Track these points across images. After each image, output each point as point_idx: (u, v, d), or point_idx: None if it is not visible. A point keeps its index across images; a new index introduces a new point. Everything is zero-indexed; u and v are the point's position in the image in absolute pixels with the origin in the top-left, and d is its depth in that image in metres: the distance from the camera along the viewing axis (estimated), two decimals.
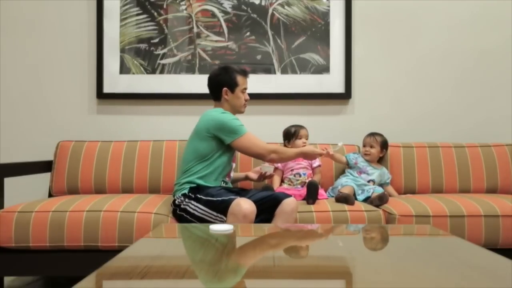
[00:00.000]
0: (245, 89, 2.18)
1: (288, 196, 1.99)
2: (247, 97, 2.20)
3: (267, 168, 2.22)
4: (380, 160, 2.59)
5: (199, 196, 1.99)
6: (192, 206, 1.98)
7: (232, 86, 2.14)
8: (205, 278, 0.99)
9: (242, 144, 2.05)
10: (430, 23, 2.87)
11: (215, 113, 2.08)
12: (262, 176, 2.27)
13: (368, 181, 2.43)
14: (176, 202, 2.03)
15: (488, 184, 2.56)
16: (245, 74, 2.18)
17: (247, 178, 2.36)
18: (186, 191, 2.03)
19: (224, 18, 2.85)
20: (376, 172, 2.47)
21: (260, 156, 2.09)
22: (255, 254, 1.23)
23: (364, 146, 2.56)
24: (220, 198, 1.94)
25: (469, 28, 2.87)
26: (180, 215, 2.00)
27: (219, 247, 1.30)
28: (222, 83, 2.14)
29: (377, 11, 2.86)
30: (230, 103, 2.15)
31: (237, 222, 1.82)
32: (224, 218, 1.91)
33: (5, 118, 2.85)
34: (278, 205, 1.94)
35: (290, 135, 2.49)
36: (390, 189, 2.53)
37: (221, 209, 1.91)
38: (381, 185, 2.48)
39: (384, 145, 2.55)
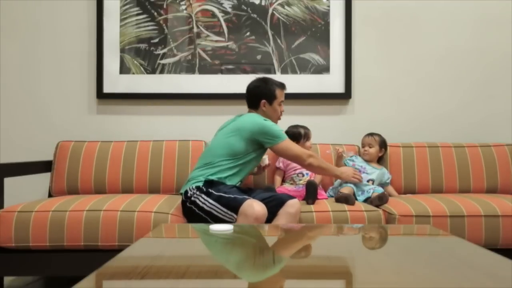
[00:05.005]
0: (282, 101, 2.26)
1: (292, 197, 1.99)
2: (283, 108, 2.28)
3: (264, 159, 2.33)
4: (380, 160, 2.60)
5: (210, 190, 1.99)
6: (202, 200, 1.98)
7: (271, 98, 2.21)
8: (204, 278, 0.99)
9: (283, 147, 2.13)
10: (430, 23, 2.87)
11: (258, 119, 2.13)
12: (262, 168, 2.37)
13: (368, 181, 2.43)
14: (188, 194, 2.03)
15: (488, 184, 2.56)
16: (283, 87, 2.27)
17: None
18: (200, 184, 2.04)
19: (224, 18, 2.85)
20: (375, 172, 2.48)
21: (299, 158, 2.14)
22: (255, 254, 1.23)
23: (363, 146, 2.57)
24: (232, 196, 1.94)
25: (469, 28, 2.87)
26: (189, 208, 2.00)
27: (218, 247, 1.30)
28: (261, 95, 2.21)
29: (377, 11, 2.87)
30: (266, 114, 2.22)
31: (248, 223, 1.82)
32: (235, 216, 1.90)
33: (5, 118, 2.85)
34: (281, 206, 1.94)
35: (300, 136, 2.45)
36: (390, 189, 2.53)
37: (233, 206, 1.91)
38: (381, 185, 2.48)
39: (383, 144, 2.56)
